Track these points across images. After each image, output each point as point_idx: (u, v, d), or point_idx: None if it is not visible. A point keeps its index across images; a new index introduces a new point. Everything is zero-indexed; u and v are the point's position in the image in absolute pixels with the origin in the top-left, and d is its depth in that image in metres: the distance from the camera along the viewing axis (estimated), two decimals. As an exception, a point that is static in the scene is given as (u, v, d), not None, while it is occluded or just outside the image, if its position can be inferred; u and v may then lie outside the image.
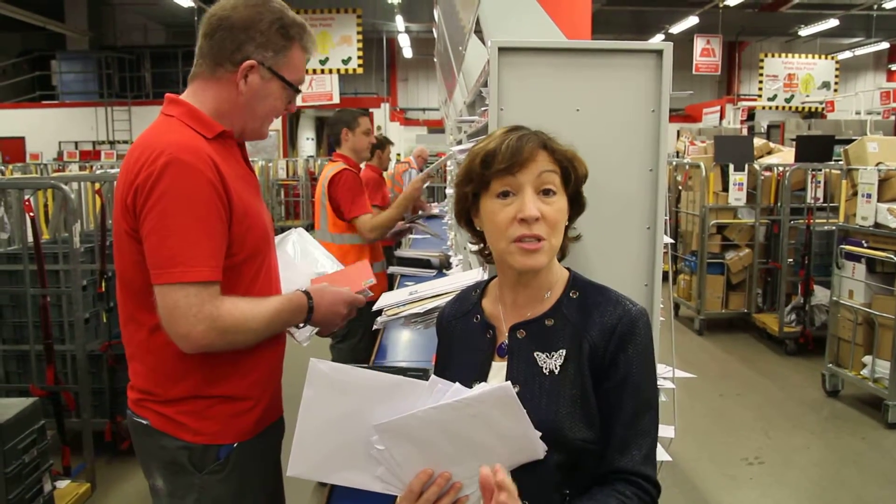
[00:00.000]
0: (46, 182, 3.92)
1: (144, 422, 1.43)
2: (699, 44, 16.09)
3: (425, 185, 3.78)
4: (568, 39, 1.58)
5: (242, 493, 1.46)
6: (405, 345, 2.92)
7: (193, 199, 1.29)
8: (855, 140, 5.09)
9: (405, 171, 8.37)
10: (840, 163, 5.27)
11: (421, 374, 1.93)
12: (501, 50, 1.42)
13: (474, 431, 1.02)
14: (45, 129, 15.33)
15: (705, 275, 6.25)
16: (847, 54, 18.51)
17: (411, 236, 3.93)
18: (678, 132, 11.96)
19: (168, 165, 1.29)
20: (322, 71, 13.62)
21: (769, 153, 6.94)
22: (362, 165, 3.73)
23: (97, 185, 3.88)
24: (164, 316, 1.30)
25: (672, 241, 1.61)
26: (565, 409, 1.10)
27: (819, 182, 5.86)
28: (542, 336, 1.16)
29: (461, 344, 1.26)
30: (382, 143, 5.12)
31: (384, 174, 5.47)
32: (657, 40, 12.26)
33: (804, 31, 17.16)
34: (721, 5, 15.18)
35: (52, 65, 16.57)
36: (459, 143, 3.34)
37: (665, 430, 1.22)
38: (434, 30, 5.51)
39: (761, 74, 16.83)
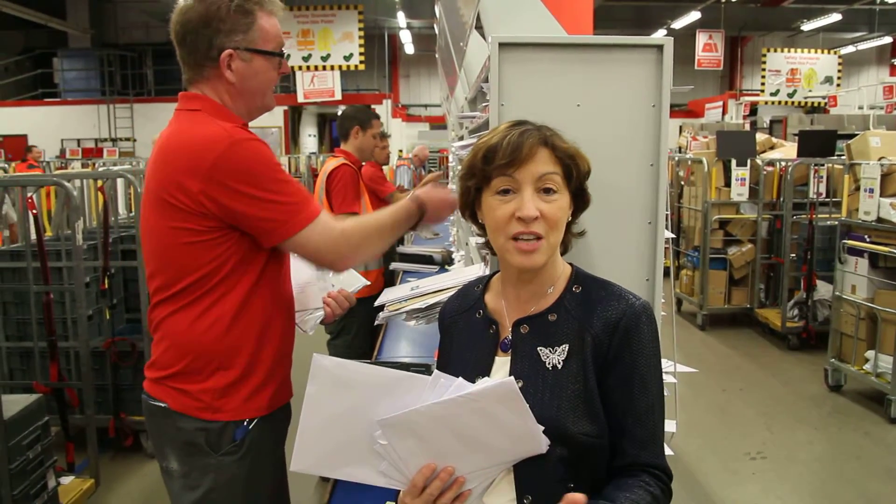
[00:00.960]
0: (49, 179, 3.92)
1: (162, 405, 1.47)
2: (701, 39, 16.02)
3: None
4: (569, 34, 1.58)
5: (254, 476, 1.49)
6: (407, 341, 2.93)
7: (269, 161, 1.42)
8: (858, 135, 5.08)
9: (399, 167, 8.34)
10: (843, 158, 5.26)
11: (423, 369, 1.94)
12: (502, 45, 1.42)
13: (477, 426, 1.03)
14: (48, 126, 15.34)
15: (708, 270, 6.25)
16: (850, 49, 18.43)
17: (413, 233, 3.94)
18: (680, 127, 11.95)
19: (232, 147, 1.37)
20: (324, 67, 13.62)
21: (772, 148, 6.92)
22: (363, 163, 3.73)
23: (100, 183, 3.89)
24: (310, 257, 1.48)
25: (674, 236, 1.61)
26: (568, 403, 1.10)
27: (822, 177, 5.84)
28: (545, 331, 1.16)
29: (464, 339, 1.26)
30: (382, 134, 5.07)
31: (384, 168, 5.44)
32: (659, 35, 12.22)
33: (807, 26, 17.10)
34: (723, 0, 15.14)
35: (54, 62, 16.58)
36: (461, 139, 3.34)
37: (667, 425, 1.22)
38: (435, 26, 5.51)
39: (764, 69, 16.76)
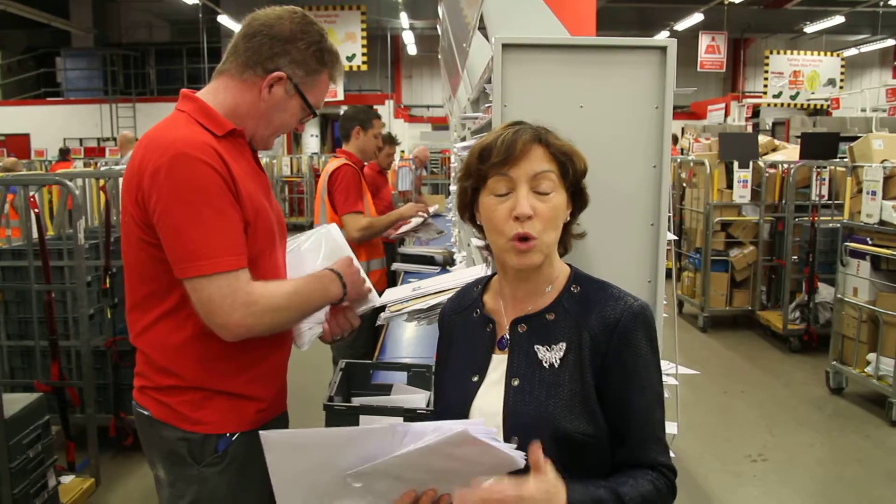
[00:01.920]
0: (51, 178, 3.92)
1: (146, 412, 1.44)
2: (704, 41, 16.05)
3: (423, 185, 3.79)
4: (572, 36, 1.58)
5: (241, 487, 1.46)
6: (409, 341, 2.93)
7: (205, 189, 1.30)
8: (860, 137, 5.07)
9: (400, 168, 8.31)
10: (845, 160, 5.25)
11: (425, 370, 1.94)
12: (505, 46, 1.42)
13: (447, 464, 1.02)
14: (50, 125, 15.39)
15: (709, 272, 6.24)
16: (853, 51, 18.43)
17: (416, 234, 3.93)
18: (682, 129, 11.93)
19: (175, 159, 1.30)
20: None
21: (774, 150, 6.92)
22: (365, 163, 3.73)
23: (101, 182, 3.89)
24: (200, 309, 1.32)
25: (676, 237, 1.61)
26: (565, 401, 1.10)
27: (824, 179, 5.83)
28: (543, 330, 1.16)
29: (461, 338, 1.27)
30: (392, 140, 5.04)
31: (385, 172, 5.42)
32: (662, 37, 12.23)
33: (810, 28, 17.10)
34: (726, 2, 15.15)
35: (56, 62, 16.64)
36: (463, 139, 3.34)
37: (669, 427, 1.22)
38: (438, 26, 5.51)
39: (766, 71, 16.77)
